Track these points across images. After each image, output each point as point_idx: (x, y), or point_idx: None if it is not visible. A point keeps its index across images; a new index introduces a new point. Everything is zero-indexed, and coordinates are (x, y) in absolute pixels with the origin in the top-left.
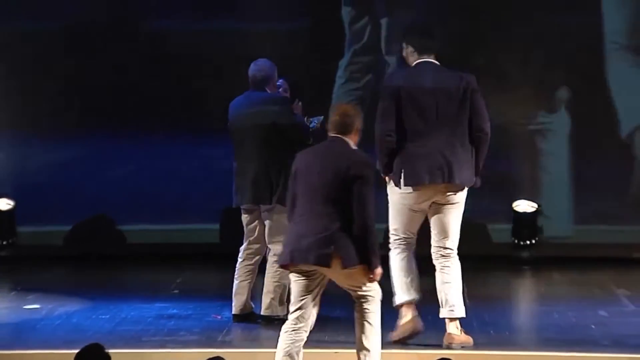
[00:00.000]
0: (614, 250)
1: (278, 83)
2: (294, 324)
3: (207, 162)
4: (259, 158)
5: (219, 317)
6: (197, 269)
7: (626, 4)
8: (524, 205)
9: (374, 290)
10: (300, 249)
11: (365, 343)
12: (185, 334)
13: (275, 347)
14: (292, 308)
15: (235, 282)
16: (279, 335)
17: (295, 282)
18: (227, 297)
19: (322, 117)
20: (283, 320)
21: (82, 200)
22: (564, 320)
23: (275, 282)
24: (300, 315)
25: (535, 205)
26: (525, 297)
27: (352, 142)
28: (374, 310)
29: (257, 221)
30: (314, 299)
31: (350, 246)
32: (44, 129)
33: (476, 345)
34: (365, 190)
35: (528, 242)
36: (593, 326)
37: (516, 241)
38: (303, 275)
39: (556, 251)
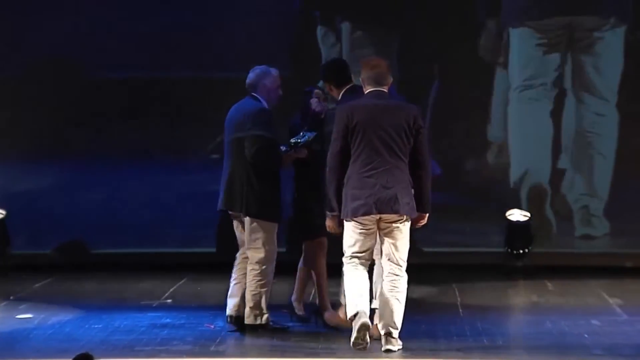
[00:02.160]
0: (607, 259)
1: (307, 89)
2: (356, 266)
3: (188, 187)
4: (233, 166)
5: (212, 326)
6: (191, 279)
7: None
8: (517, 215)
9: (404, 262)
10: (386, 200)
11: (396, 319)
12: (178, 344)
13: (269, 357)
14: (348, 252)
15: (230, 284)
16: (272, 345)
17: (359, 234)
18: (220, 307)
19: (315, 133)
20: (266, 327)
21: (66, 224)
22: (557, 329)
23: (251, 290)
24: (359, 261)
25: (529, 215)
26: (518, 306)
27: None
28: (403, 289)
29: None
30: (372, 246)
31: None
32: (27, 154)
33: (469, 354)
34: (425, 139)
35: (521, 251)
36: (586, 335)
37: (509, 250)
38: (365, 228)
39: (549, 260)
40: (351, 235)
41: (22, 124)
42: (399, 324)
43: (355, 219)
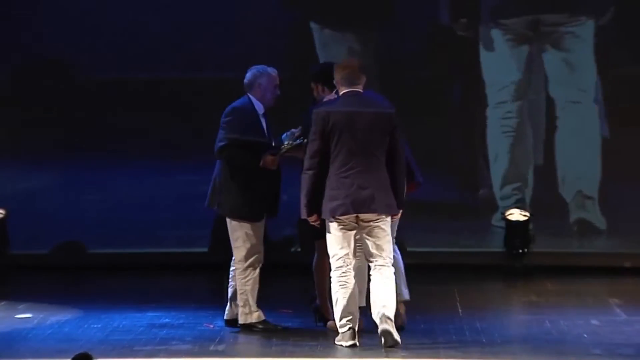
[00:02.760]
0: (606, 259)
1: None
2: (344, 273)
3: (187, 187)
4: (217, 165)
5: (211, 326)
6: (190, 279)
7: None
8: (516, 214)
9: (391, 257)
10: (363, 199)
11: (387, 312)
12: (177, 343)
13: (269, 356)
14: (335, 257)
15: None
16: (271, 344)
17: (339, 230)
18: (219, 306)
19: (300, 141)
20: (258, 326)
21: (65, 224)
22: (556, 329)
23: (239, 289)
24: (346, 264)
25: (528, 214)
26: (517, 306)
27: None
28: (391, 276)
29: None
30: (354, 247)
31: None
32: (22, 155)
33: (468, 353)
34: (399, 137)
35: (520, 251)
36: (585, 335)
37: (508, 250)
38: (344, 224)
39: (548, 260)
40: (333, 233)
41: (21, 124)
42: (393, 307)
43: (333, 218)
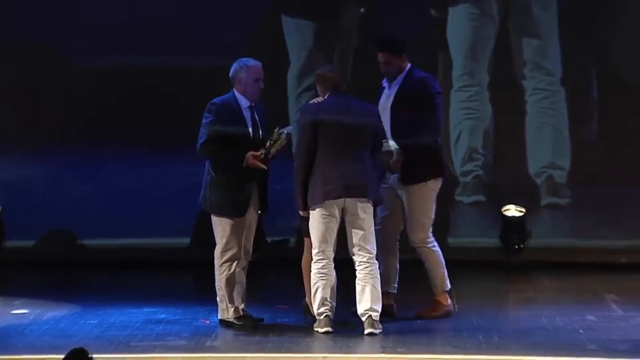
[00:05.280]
0: (603, 255)
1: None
2: (324, 266)
3: (184, 180)
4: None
5: (208, 322)
6: (186, 274)
7: None
8: (512, 210)
9: (374, 249)
10: (356, 185)
11: (375, 305)
12: (173, 339)
13: (264, 352)
14: (316, 250)
15: None
16: (267, 340)
17: (323, 223)
18: (216, 302)
19: (290, 127)
20: (236, 323)
21: (62, 219)
22: (552, 325)
23: (216, 285)
24: (327, 257)
25: (524, 210)
26: (513, 302)
27: None
28: (376, 275)
29: None
30: (335, 238)
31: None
32: (14, 147)
33: (465, 349)
34: (383, 133)
35: (517, 246)
36: (581, 331)
37: (505, 246)
38: (330, 214)
39: (545, 256)
40: (317, 225)
41: (12, 115)
42: (379, 308)
43: (323, 204)
